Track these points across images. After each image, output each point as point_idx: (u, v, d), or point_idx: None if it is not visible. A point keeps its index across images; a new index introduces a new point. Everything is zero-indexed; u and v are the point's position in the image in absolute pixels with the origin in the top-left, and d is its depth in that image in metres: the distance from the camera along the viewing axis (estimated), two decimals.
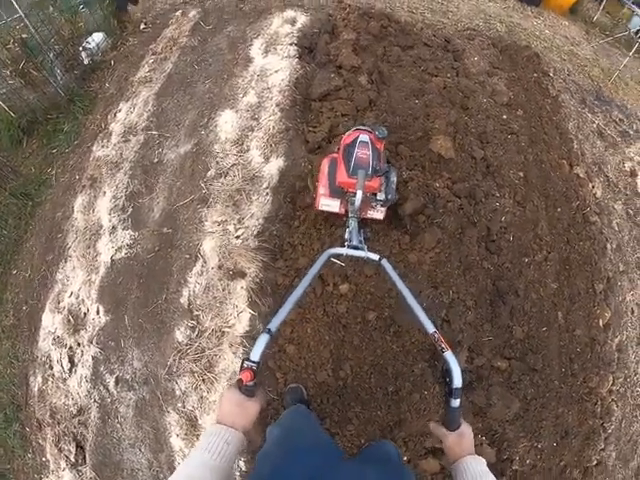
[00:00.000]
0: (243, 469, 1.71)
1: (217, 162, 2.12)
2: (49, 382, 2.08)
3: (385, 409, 1.83)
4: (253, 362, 0.77)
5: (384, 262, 1.19)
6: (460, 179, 2.24)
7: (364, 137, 1.44)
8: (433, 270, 1.98)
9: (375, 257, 1.22)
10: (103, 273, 2.06)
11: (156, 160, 2.27)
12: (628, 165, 2.86)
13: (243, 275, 1.88)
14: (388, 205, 1.70)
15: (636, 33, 3.38)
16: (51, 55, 2.59)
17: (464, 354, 1.94)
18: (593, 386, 2.16)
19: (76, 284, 2.09)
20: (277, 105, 2.29)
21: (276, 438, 1.07)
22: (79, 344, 2.03)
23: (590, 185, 2.60)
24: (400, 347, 1.91)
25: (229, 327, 1.84)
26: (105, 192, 2.21)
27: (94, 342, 2.01)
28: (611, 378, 2.20)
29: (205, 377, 1.84)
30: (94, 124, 2.57)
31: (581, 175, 2.60)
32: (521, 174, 2.40)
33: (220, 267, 1.90)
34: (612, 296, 2.35)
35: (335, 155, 1.63)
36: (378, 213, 1.71)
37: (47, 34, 2.56)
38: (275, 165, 2.07)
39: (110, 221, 2.13)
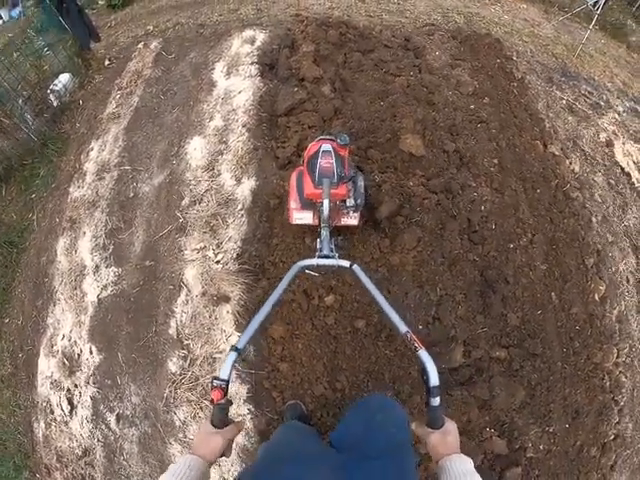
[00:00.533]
0: None
1: (190, 190, 2.13)
2: (52, 426, 2.08)
3: None
4: (222, 380, 0.79)
5: (355, 267, 1.19)
6: (434, 175, 2.24)
7: (326, 146, 1.44)
8: (417, 270, 1.97)
9: (346, 264, 1.22)
10: (92, 313, 2.07)
11: (132, 194, 2.28)
12: (603, 136, 2.85)
13: (227, 299, 1.87)
14: (359, 210, 1.70)
15: (594, 5, 3.39)
16: (20, 101, 2.62)
17: (460, 349, 1.92)
18: (598, 361, 2.13)
19: (67, 326, 2.09)
20: (243, 126, 2.30)
21: (262, 453, 1.08)
22: (76, 385, 2.02)
23: (567, 162, 2.59)
24: (393, 351, 1.90)
25: (219, 353, 1.84)
26: (85, 232, 2.22)
27: (91, 382, 2.00)
28: (615, 350, 2.17)
29: (202, 405, 1.83)
30: (69, 165, 2.59)
31: (556, 153, 2.59)
32: (495, 161, 2.39)
33: (204, 294, 1.90)
34: (604, 268, 2.33)
35: (301, 168, 1.64)
36: (352, 219, 1.72)
37: (14, 80, 2.59)
38: (247, 186, 2.08)
39: (92, 260, 2.14)
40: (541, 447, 1.95)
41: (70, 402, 2.00)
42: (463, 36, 2.97)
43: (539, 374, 2.02)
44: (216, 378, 0.80)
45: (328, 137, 1.52)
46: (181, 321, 1.90)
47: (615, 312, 2.28)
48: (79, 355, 2.03)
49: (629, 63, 3.62)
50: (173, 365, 1.87)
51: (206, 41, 2.94)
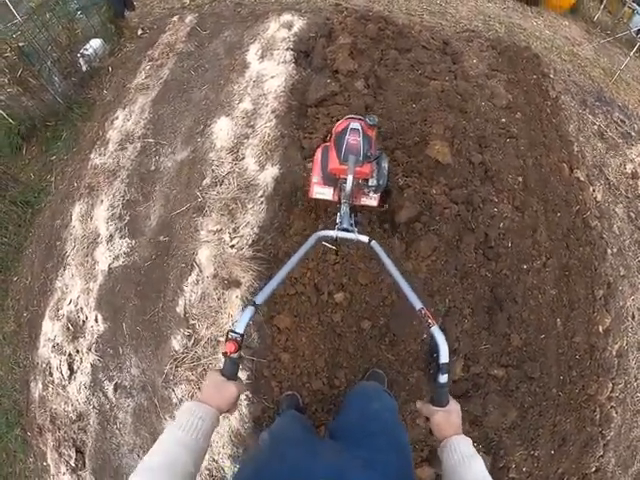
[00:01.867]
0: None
1: (213, 170, 2.10)
2: (49, 388, 2.09)
3: None
4: (237, 334, 0.78)
5: (374, 244, 1.18)
6: (457, 185, 2.20)
7: (355, 124, 1.42)
8: (429, 278, 1.95)
9: (365, 239, 1.21)
10: (101, 281, 2.05)
11: (153, 168, 2.25)
12: (629, 167, 2.79)
13: (238, 284, 1.86)
14: (380, 191, 1.68)
15: (637, 32, 3.29)
16: (49, 62, 2.56)
17: (460, 363, 1.91)
18: (592, 393, 2.12)
19: (75, 292, 2.09)
20: (273, 112, 2.25)
21: (263, 442, 1.07)
22: (78, 351, 2.02)
23: (591, 189, 2.54)
24: (395, 356, 1.88)
25: (224, 336, 1.83)
26: (102, 200, 2.20)
27: (93, 350, 2.00)
28: (610, 385, 2.16)
29: (201, 385, 1.82)
30: (92, 131, 2.56)
31: (581, 178, 2.54)
32: (520, 179, 2.35)
33: (215, 276, 1.88)
34: (612, 301, 2.30)
35: (327, 144, 1.63)
36: (371, 200, 1.70)
37: (44, 41, 2.54)
38: (270, 173, 2.04)
39: (107, 230, 2.12)
40: (524, 469, 1.95)
41: (70, 367, 2.00)
42: (502, 46, 2.89)
43: (533, 397, 2.01)
44: (232, 331, 0.79)
45: (357, 116, 1.51)
46: (189, 300, 1.89)
47: (616, 347, 2.26)
48: (84, 322, 2.03)
49: None
50: (177, 343, 1.86)
51: (242, 21, 2.87)
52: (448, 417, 0.80)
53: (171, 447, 0.66)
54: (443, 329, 1.91)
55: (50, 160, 2.62)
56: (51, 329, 2.09)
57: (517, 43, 3.01)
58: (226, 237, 1.91)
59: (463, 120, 2.43)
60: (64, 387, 2.03)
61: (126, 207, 2.16)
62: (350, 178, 1.34)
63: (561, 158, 2.55)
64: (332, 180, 1.59)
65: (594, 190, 2.54)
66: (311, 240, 1.17)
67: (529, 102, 2.67)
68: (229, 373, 0.77)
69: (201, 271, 1.91)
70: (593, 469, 2.09)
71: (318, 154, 1.65)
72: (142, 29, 2.98)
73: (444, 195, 2.12)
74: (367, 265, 1.91)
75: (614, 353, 2.24)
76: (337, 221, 1.38)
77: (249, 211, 1.96)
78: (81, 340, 2.02)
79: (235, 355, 0.77)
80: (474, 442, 1.94)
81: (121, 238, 2.10)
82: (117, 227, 2.12)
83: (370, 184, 1.59)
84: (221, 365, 0.81)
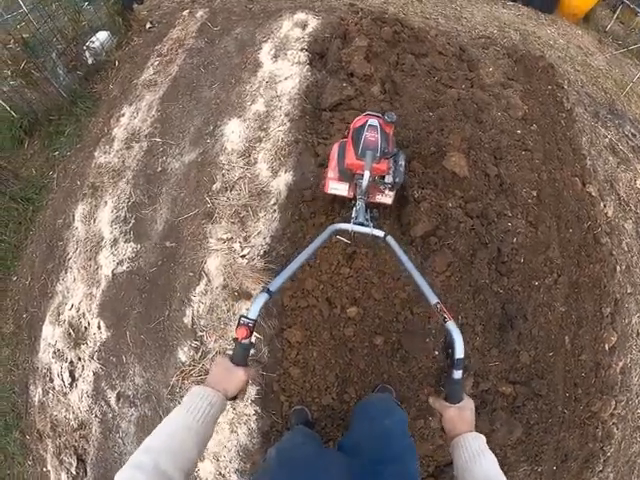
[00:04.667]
0: None
1: (223, 175, 1.96)
2: (50, 395, 1.96)
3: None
4: (250, 319, 0.75)
5: (389, 238, 1.14)
6: (473, 198, 2.08)
7: (373, 121, 1.36)
8: (443, 294, 1.85)
9: (380, 233, 1.17)
10: (104, 287, 1.92)
11: (159, 169, 2.10)
12: (639, 182, 2.70)
13: (249, 296, 1.74)
14: (395, 189, 1.61)
15: None
16: (53, 55, 2.38)
17: (470, 381, 1.83)
18: (595, 410, 2.06)
19: (77, 297, 1.95)
20: (286, 115, 2.11)
21: (274, 456, 1.00)
22: (80, 359, 1.90)
23: (602, 204, 2.44)
24: (406, 372, 1.79)
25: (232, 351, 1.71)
26: (107, 202, 2.05)
27: (95, 357, 1.88)
28: (613, 402, 2.09)
29: (210, 369, 1.72)
30: (97, 127, 2.39)
31: (593, 194, 2.44)
32: (534, 193, 2.24)
33: (225, 287, 1.76)
34: (619, 319, 2.23)
35: (345, 139, 1.55)
36: (386, 198, 1.63)
37: (49, 32, 2.34)
38: (283, 180, 1.91)
39: (112, 233, 1.98)
40: None
41: (72, 374, 1.88)
42: (518, 55, 2.75)
43: (539, 414, 1.94)
44: (244, 316, 0.76)
45: (375, 113, 1.44)
46: (197, 311, 1.76)
47: (620, 364, 2.19)
48: (86, 328, 1.90)
49: None
50: (183, 354, 1.75)
51: (254, 18, 2.69)
52: (461, 413, 0.76)
53: (178, 431, 0.63)
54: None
55: (53, 156, 2.45)
56: (52, 334, 1.96)
57: (532, 52, 2.87)
58: (237, 246, 1.78)
59: (479, 131, 2.31)
60: (65, 394, 1.91)
61: (131, 210, 2.02)
62: (367, 174, 1.30)
63: (574, 172, 2.45)
64: (348, 176, 1.52)
65: (605, 206, 2.45)
66: (326, 232, 1.12)
67: (544, 114, 2.55)
68: (238, 359, 0.74)
69: (210, 281, 1.78)
70: None
71: (335, 149, 1.59)
72: (151, 23, 2.78)
73: (460, 208, 2.01)
74: (381, 280, 1.80)
75: (618, 370, 2.17)
76: (353, 215, 1.32)
77: (261, 220, 1.83)
78: (83, 347, 1.89)
79: (246, 341, 0.75)
80: None
81: (126, 242, 1.96)
82: (122, 230, 1.98)
83: (386, 181, 1.52)
84: (230, 352, 0.77)
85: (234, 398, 0.74)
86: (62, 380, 1.90)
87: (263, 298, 0.80)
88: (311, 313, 1.77)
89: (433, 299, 0.92)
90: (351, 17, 2.68)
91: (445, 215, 1.94)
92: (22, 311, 2.12)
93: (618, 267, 2.32)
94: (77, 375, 1.88)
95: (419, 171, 2.06)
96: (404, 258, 1.06)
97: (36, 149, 2.51)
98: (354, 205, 1.36)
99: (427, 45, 2.64)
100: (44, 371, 1.97)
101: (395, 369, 1.78)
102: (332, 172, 1.58)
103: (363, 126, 1.36)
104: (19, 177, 2.31)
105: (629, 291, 2.33)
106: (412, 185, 1.98)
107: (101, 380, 1.86)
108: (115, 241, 1.96)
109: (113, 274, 1.93)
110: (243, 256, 1.76)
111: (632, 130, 2.87)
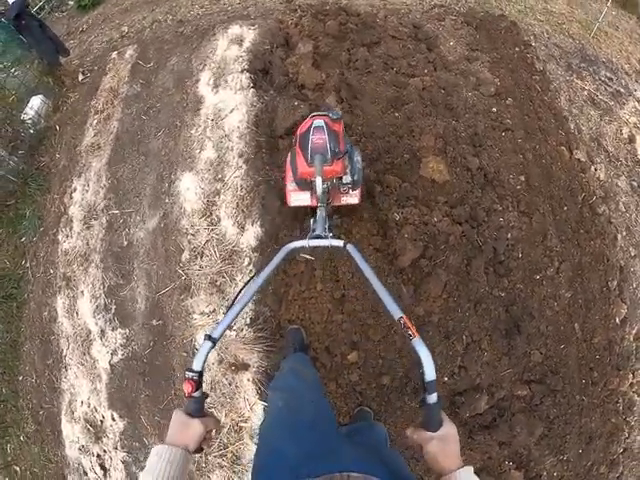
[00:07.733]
0: None
1: (189, 241, 1.68)
2: None
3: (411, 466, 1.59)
4: (194, 372, 0.66)
5: (349, 247, 0.97)
6: (458, 201, 1.79)
7: (318, 122, 1.17)
8: (443, 318, 1.62)
9: (339, 243, 0.99)
10: (106, 380, 1.73)
11: (125, 243, 1.83)
12: (625, 131, 2.33)
13: (246, 367, 1.53)
14: (358, 187, 1.39)
15: None
16: None
17: (484, 398, 1.64)
18: (614, 387, 1.88)
19: (84, 393, 1.77)
20: (240, 156, 1.78)
21: (278, 410, 0.93)
22: (105, 451, 1.75)
23: (592, 168, 2.11)
24: (420, 403, 1.63)
25: (245, 421, 1.55)
26: (83, 292, 1.80)
27: (119, 447, 1.72)
28: (631, 375, 1.92)
29: (235, 469, 1.59)
30: (54, 205, 2.08)
31: (582, 159, 2.11)
32: (522, 178, 1.92)
33: (221, 362, 1.55)
34: (626, 286, 1.99)
35: (294, 147, 1.30)
36: (352, 198, 1.43)
37: None
38: (252, 233, 1.63)
39: (97, 324, 1.75)
40: (555, 474, 1.77)
41: (102, 467, 1.74)
42: (477, 20, 2.28)
43: (558, 408, 1.77)
44: (189, 369, 0.66)
45: (321, 113, 1.22)
46: None
47: (634, 332, 1.99)
48: (102, 421, 1.74)
49: None
50: None
51: (187, 42, 2.25)
52: (444, 446, 0.61)
53: None
54: (464, 367, 1.66)
55: (21, 242, 2.17)
56: (72, 432, 1.80)
57: (490, 11, 2.39)
58: (221, 318, 1.56)
59: (452, 120, 1.95)
60: None
61: (109, 294, 1.78)
62: (319, 179, 1.12)
63: (559, 141, 2.10)
64: (306, 184, 1.32)
65: (596, 169, 2.12)
66: (280, 254, 0.94)
67: (517, 83, 2.14)
68: (192, 411, 0.65)
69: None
70: (621, 451, 1.94)
71: (287, 160, 1.38)
72: (82, 72, 2.35)
73: (446, 217, 1.72)
74: (377, 320, 1.58)
75: (632, 338, 1.97)
76: (311, 228, 1.16)
77: (239, 284, 1.58)
78: (105, 440, 1.74)
79: (196, 394, 0.65)
80: (504, 461, 1.75)
81: (113, 330, 1.74)
82: (105, 319, 1.75)
83: (345, 181, 1.32)
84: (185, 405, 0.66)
85: (200, 450, 0.65)
86: (95, 473, 1.77)
87: (206, 347, 0.69)
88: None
89: (397, 313, 0.72)
90: (290, 17, 2.22)
91: (432, 233, 1.65)
92: (37, 408, 1.97)
93: (619, 235, 2.04)
94: (107, 466, 1.75)
95: (395, 185, 1.75)
96: (365, 268, 0.88)
97: (3, 237, 2.23)
98: (313, 216, 1.17)
99: (378, 30, 2.19)
100: (76, 465, 1.84)
101: (408, 404, 1.62)
102: (291, 184, 1.38)
103: (308, 130, 1.16)
104: None
105: (633, 254, 2.07)
106: (390, 206, 1.69)
107: (130, 466, 1.73)
108: (102, 332, 1.74)
109: (111, 365, 1.72)
110: (230, 327, 1.55)
111: (607, 74, 2.44)
